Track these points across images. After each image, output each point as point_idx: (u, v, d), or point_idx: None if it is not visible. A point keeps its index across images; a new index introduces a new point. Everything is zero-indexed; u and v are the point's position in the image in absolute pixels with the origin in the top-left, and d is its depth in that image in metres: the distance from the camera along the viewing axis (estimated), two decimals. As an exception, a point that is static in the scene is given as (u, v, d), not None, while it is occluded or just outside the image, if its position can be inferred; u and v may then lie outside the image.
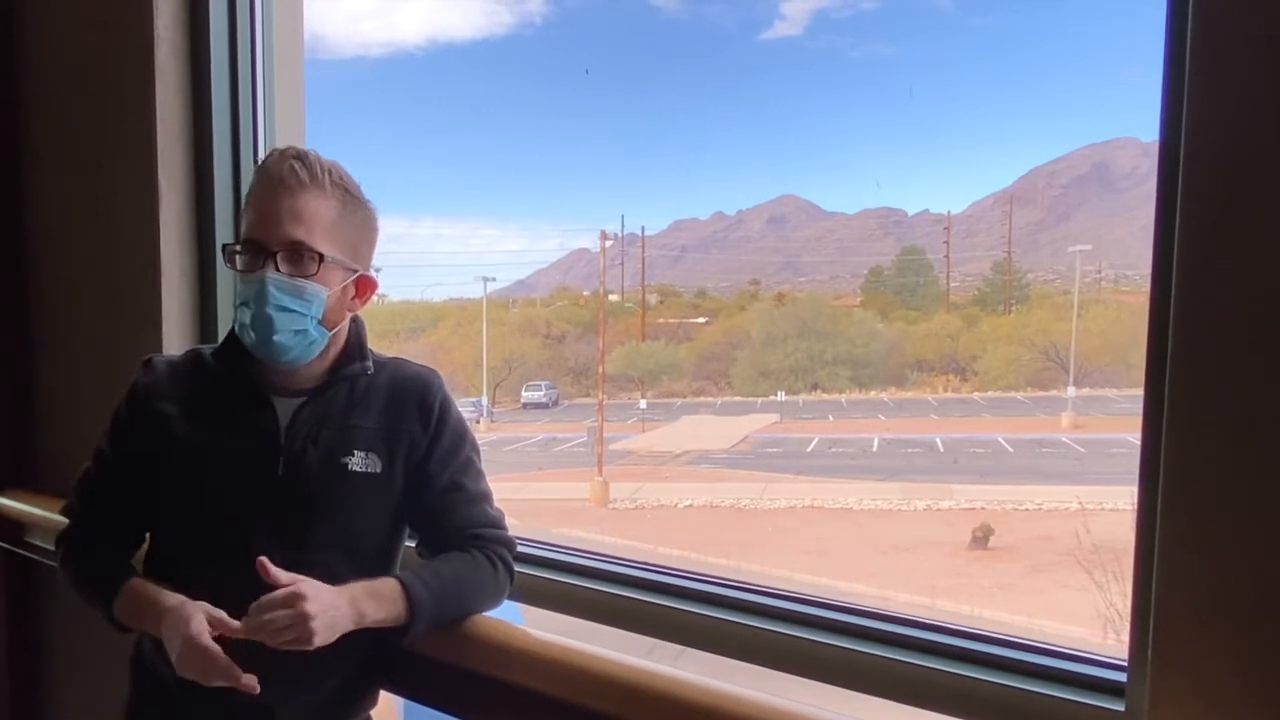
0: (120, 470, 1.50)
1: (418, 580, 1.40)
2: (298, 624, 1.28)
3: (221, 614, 1.33)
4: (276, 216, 1.36)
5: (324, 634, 1.30)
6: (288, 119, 2.09)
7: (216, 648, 1.30)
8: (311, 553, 1.41)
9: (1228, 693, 1.00)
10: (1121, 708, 1.13)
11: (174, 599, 1.36)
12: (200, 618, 1.32)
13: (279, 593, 1.29)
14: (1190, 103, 1.00)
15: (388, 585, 1.39)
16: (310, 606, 1.28)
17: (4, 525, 2.39)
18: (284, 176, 1.36)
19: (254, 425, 1.44)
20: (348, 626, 1.34)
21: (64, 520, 1.59)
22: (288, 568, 1.33)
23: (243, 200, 1.49)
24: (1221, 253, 0.99)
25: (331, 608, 1.31)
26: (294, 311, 1.37)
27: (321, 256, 1.37)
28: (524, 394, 24.30)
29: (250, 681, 1.31)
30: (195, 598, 1.37)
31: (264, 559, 1.30)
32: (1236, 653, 1.00)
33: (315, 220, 1.37)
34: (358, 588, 1.36)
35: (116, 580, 1.45)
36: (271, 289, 1.36)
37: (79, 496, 1.55)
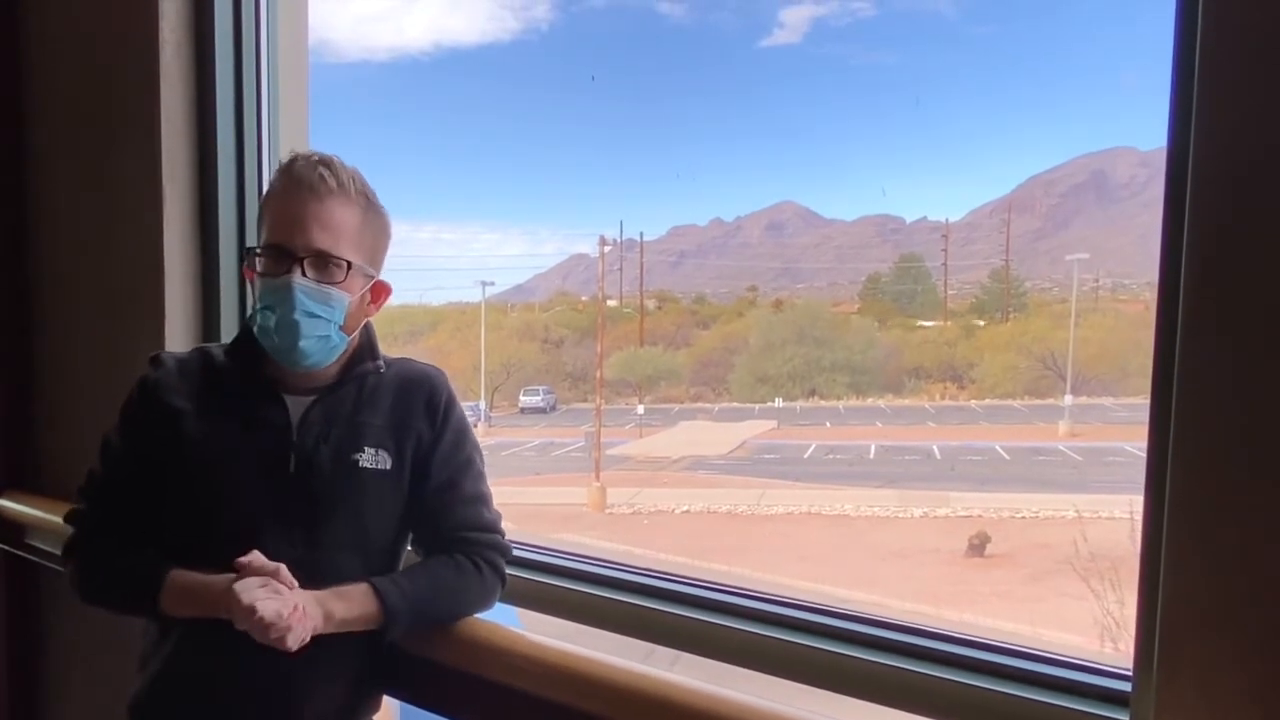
0: (131, 465, 1.48)
1: (389, 583, 1.41)
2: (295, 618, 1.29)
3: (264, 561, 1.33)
4: (304, 222, 1.37)
5: (296, 634, 1.30)
6: (292, 121, 2.09)
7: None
8: (322, 549, 1.41)
9: (1234, 703, 1.00)
10: (1126, 717, 1.13)
11: (224, 579, 1.34)
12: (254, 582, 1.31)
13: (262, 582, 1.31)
14: (1199, 107, 1.00)
15: (355, 586, 1.40)
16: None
17: (5, 527, 2.38)
18: (313, 183, 1.38)
19: (266, 422, 1.45)
20: (318, 622, 1.34)
21: (67, 526, 1.54)
22: (298, 565, 1.34)
23: (258, 202, 1.50)
24: (1230, 258, 0.99)
25: (300, 602, 1.32)
26: (319, 317, 1.39)
27: (349, 265, 1.39)
28: (522, 398, 24.27)
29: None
30: None
31: (253, 556, 1.32)
32: (1243, 662, 0.99)
33: (342, 228, 1.39)
34: (323, 591, 1.37)
35: (158, 575, 1.41)
36: (299, 294, 1.37)
37: (88, 499, 1.52)
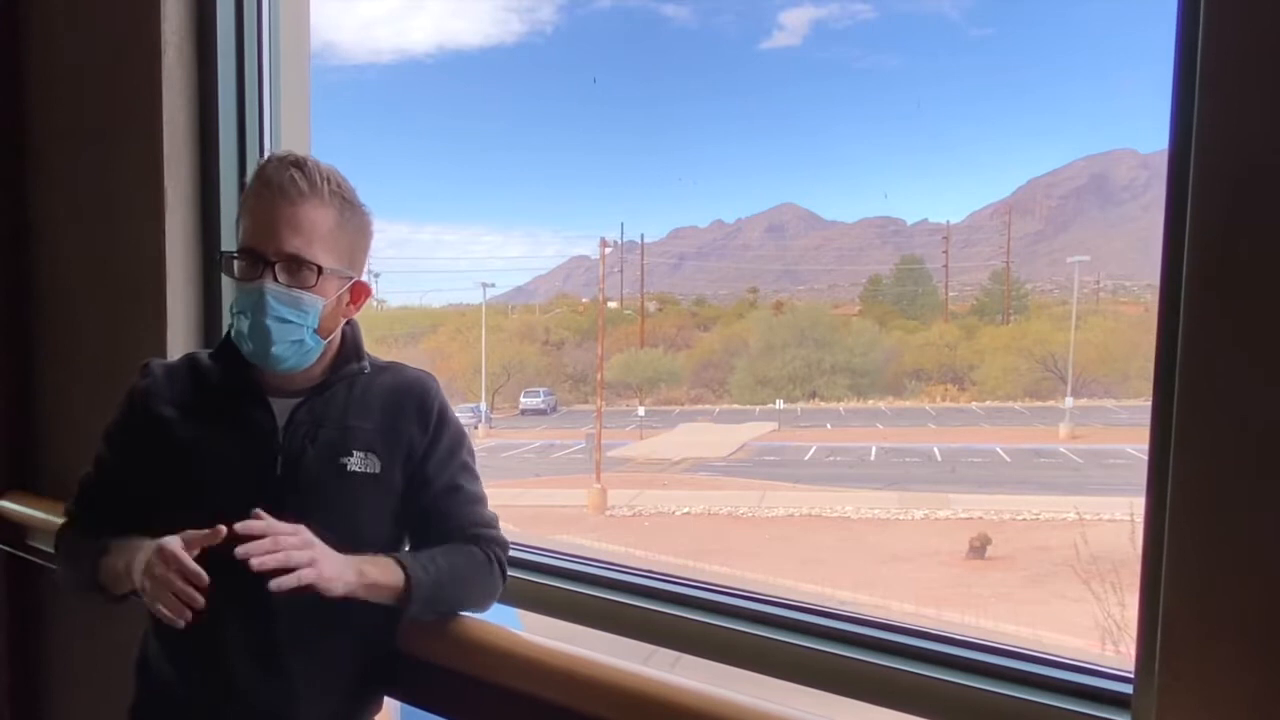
0: (118, 473, 1.51)
1: (414, 559, 1.42)
2: (306, 549, 1.29)
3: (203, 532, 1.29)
4: (275, 227, 1.36)
5: (328, 566, 1.30)
6: (293, 124, 2.10)
7: (186, 557, 1.27)
8: None
9: (1236, 705, 1.00)
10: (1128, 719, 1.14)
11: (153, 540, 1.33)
12: (176, 539, 1.29)
13: (287, 525, 1.30)
14: (1200, 110, 1.00)
15: (383, 558, 1.40)
16: (314, 541, 1.30)
17: (6, 529, 2.38)
18: (284, 186, 1.36)
19: (251, 425, 1.44)
20: (350, 575, 1.34)
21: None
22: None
23: (238, 204, 1.49)
24: (1231, 260, 0.99)
25: (332, 553, 1.32)
26: (291, 322, 1.38)
27: (320, 269, 1.38)
28: (522, 400, 24.31)
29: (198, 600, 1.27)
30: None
31: (259, 510, 1.30)
32: (1245, 664, 0.99)
33: (314, 231, 1.37)
34: (353, 556, 1.37)
35: (104, 545, 1.44)
36: (270, 300, 1.36)
37: (77, 499, 1.56)
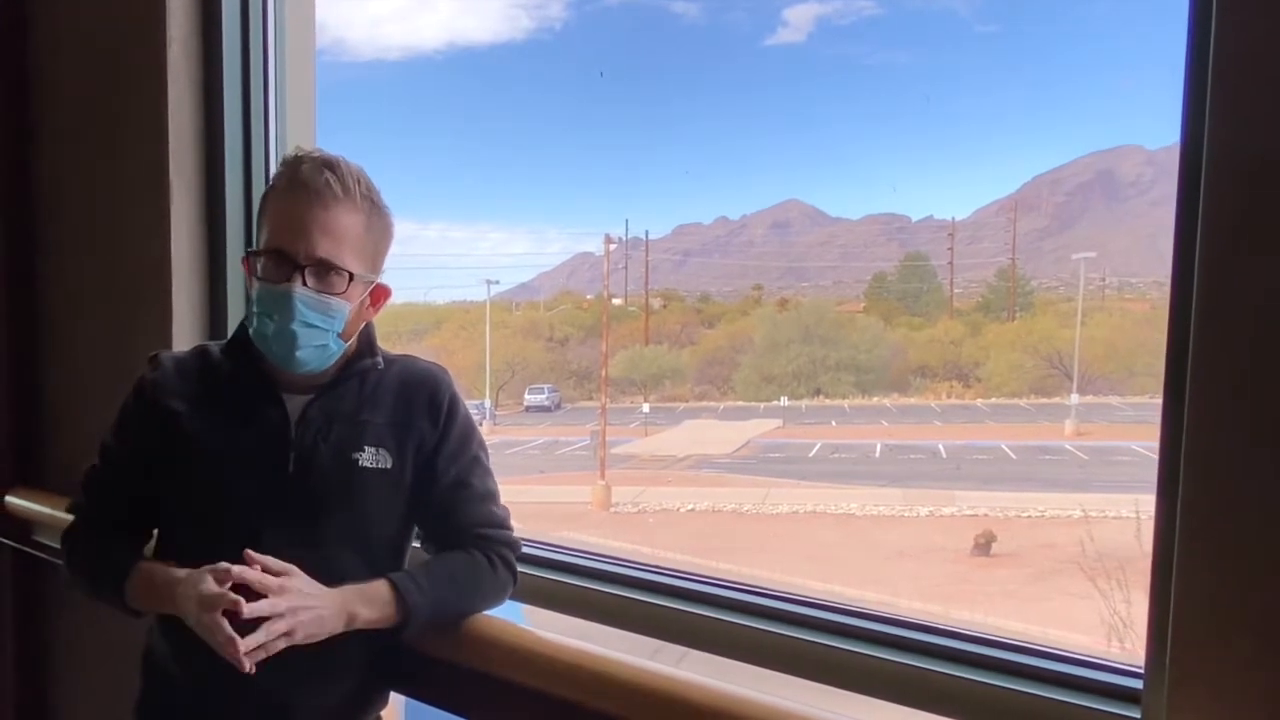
0: (127, 466, 1.50)
1: (410, 581, 1.40)
2: (285, 618, 1.28)
3: (228, 565, 1.29)
4: (307, 230, 1.34)
5: (305, 630, 1.31)
6: (299, 119, 2.09)
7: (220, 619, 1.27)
8: (323, 549, 1.41)
9: (1247, 700, 0.99)
10: (1137, 715, 1.13)
11: (186, 570, 1.34)
12: (210, 579, 1.29)
13: (273, 578, 1.30)
14: (1213, 104, 0.99)
15: (378, 588, 1.38)
16: (290, 602, 1.29)
17: (12, 524, 2.39)
18: (319, 189, 1.34)
19: (263, 421, 1.44)
20: (337, 627, 1.34)
21: (68, 517, 1.58)
22: (300, 564, 1.34)
23: (258, 200, 1.48)
24: (1244, 255, 0.98)
25: (319, 606, 1.32)
26: (318, 327, 1.37)
27: (351, 275, 1.37)
28: (526, 397, 24.31)
29: (245, 664, 1.27)
30: None
31: (250, 552, 1.30)
32: (1257, 660, 0.99)
33: (345, 236, 1.36)
34: (350, 590, 1.36)
35: (126, 565, 1.44)
36: (299, 304, 1.35)
37: (85, 493, 1.54)
